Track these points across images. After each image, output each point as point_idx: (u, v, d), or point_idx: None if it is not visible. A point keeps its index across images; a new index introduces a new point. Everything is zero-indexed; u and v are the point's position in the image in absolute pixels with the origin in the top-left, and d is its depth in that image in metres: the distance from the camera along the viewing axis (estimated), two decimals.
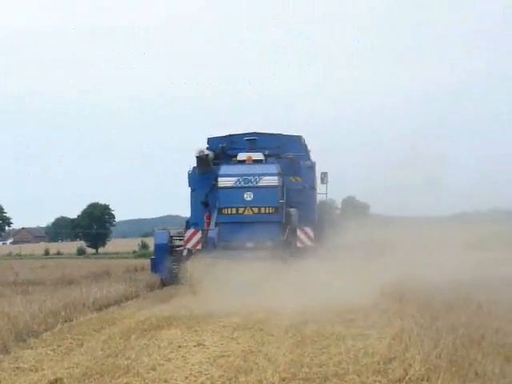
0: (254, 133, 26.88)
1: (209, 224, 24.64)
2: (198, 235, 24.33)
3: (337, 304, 17.28)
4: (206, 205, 25.25)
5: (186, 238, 24.72)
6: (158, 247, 26.84)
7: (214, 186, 24.62)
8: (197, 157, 25.45)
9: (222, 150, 26.33)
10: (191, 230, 24.69)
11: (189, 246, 24.34)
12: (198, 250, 23.98)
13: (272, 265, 21.71)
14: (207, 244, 23.92)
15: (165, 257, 25.73)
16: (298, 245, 24.10)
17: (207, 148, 26.22)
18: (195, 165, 26.01)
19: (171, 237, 27.14)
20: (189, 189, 26.54)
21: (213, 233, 23.95)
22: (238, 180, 23.89)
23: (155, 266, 26.69)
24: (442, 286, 16.83)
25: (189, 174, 26.46)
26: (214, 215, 24.45)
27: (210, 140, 27.02)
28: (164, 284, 25.55)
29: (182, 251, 25.12)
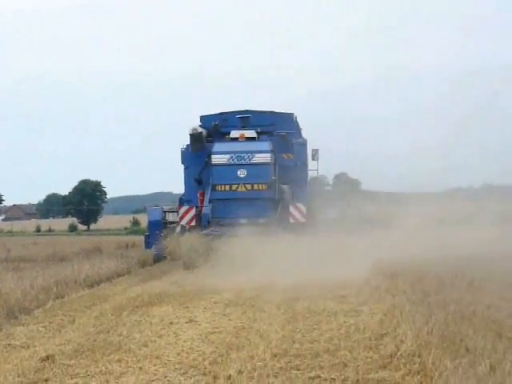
0: (247, 110, 26.99)
1: (202, 201, 24.93)
2: (192, 212, 24.63)
3: (329, 279, 17.32)
4: (199, 182, 25.50)
5: (179, 215, 25.00)
6: (151, 224, 27.12)
7: (208, 164, 24.85)
8: (190, 134, 25.57)
9: (215, 128, 26.36)
10: (185, 207, 24.97)
11: (183, 222, 24.66)
12: (192, 226, 24.25)
13: (265, 240, 21.77)
14: (201, 220, 24.26)
15: (158, 233, 25.71)
16: (291, 221, 24.48)
17: (200, 126, 26.28)
18: (188, 142, 26.11)
19: (164, 213, 27.30)
20: (182, 166, 26.64)
21: (207, 209, 24.33)
22: (231, 157, 24.15)
23: (148, 242, 26.87)
24: (433, 261, 16.86)
25: (182, 151, 26.60)
26: (208, 192, 24.69)
27: (202, 118, 27.13)
28: (157, 260, 25.69)
29: (174, 227, 25.47)
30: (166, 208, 28.67)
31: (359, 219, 28.69)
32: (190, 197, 25.77)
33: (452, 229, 28.65)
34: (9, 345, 10.71)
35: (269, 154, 24.48)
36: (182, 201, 26.24)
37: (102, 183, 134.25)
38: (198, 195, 25.20)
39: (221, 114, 27.10)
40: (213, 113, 27.39)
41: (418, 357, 8.18)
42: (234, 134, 25.25)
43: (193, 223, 24.51)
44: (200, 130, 25.74)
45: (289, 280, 17.76)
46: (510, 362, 6.98)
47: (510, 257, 17.44)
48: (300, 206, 24.79)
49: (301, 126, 27.86)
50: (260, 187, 24.15)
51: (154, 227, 26.67)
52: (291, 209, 24.70)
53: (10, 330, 11.88)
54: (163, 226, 26.44)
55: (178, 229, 24.98)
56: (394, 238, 24.09)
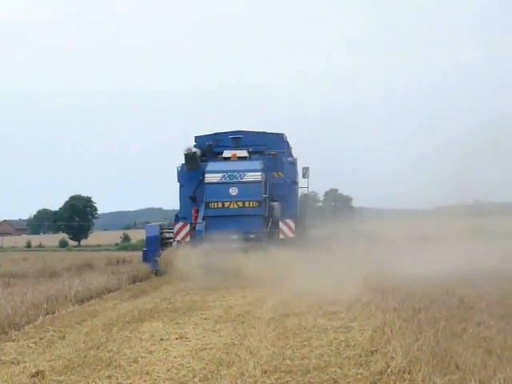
0: (239, 131, 28.33)
1: (196, 218, 26.09)
2: (187, 228, 26.01)
3: (318, 296, 17.33)
4: (193, 199, 26.65)
5: (175, 231, 26.30)
6: (149, 239, 27.74)
7: (201, 182, 26.06)
8: (185, 154, 26.88)
9: (209, 148, 27.73)
10: (180, 224, 26.32)
11: (178, 238, 25.98)
12: (187, 242, 25.55)
13: (255, 255, 22.98)
14: (195, 236, 25.41)
15: (156, 248, 26.56)
16: (281, 236, 25.65)
17: (195, 146, 27.57)
18: (183, 162, 27.25)
19: (162, 230, 27.95)
20: (177, 184, 27.72)
21: (200, 226, 25.52)
22: (224, 176, 25.42)
23: (147, 257, 27.52)
24: (423, 279, 16.88)
25: (177, 170, 27.65)
26: (202, 209, 25.86)
27: (197, 138, 28.41)
28: (155, 273, 26.14)
29: (171, 243, 26.57)
30: (163, 225, 29.37)
31: (350, 235, 28.98)
32: (185, 214, 26.82)
33: (439, 245, 28.72)
34: None
35: (259, 173, 25.62)
36: (178, 218, 27.31)
37: (92, 199, 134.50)
38: (193, 212, 26.28)
39: (214, 134, 28.35)
40: (207, 133, 28.62)
41: (408, 373, 8.18)
42: (227, 153, 26.73)
43: (187, 239, 25.68)
44: (194, 149, 27.01)
45: (278, 296, 17.79)
46: (500, 379, 7.00)
47: (497, 274, 17.51)
48: (289, 221, 25.83)
49: (291, 145, 29.02)
50: (251, 204, 25.31)
51: (151, 243, 27.33)
52: (281, 225, 25.76)
53: (0, 346, 11.83)
54: (161, 242, 27.13)
55: (175, 244, 26.01)
56: (382, 253, 24.26)
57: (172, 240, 26.66)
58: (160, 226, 28.47)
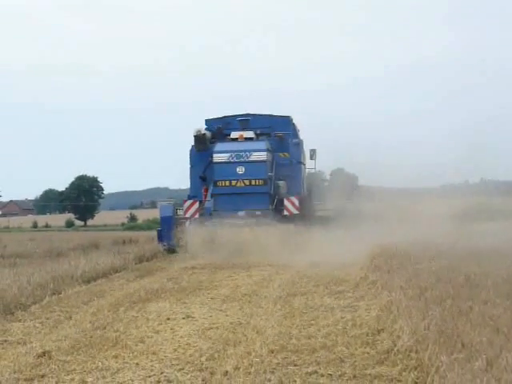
0: (247, 114, 29.57)
1: (206, 196, 27.45)
2: (196, 205, 27.31)
3: (324, 274, 17.37)
4: (203, 179, 28.04)
5: (184, 209, 27.54)
6: (163, 219, 28.39)
7: (210, 162, 27.35)
8: (194, 136, 28.19)
9: (219, 130, 29.07)
10: (189, 201, 27.62)
11: (187, 215, 27.22)
12: (196, 218, 26.90)
13: (260, 231, 24.46)
14: (204, 213, 26.88)
15: (170, 228, 27.49)
16: (285, 213, 26.74)
17: (206, 129, 28.95)
18: (193, 143, 28.60)
19: (176, 209, 28.67)
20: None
21: (209, 203, 27.02)
22: (231, 156, 26.77)
23: (161, 237, 28.17)
24: (430, 257, 16.86)
25: (190, 151, 29.03)
26: (210, 188, 27.29)
27: (207, 121, 29.79)
28: (171, 251, 26.89)
29: (185, 222, 27.46)
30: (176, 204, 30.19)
31: (356, 213, 29.33)
32: (196, 193, 28.24)
33: (445, 223, 28.76)
34: (5, 341, 10.69)
35: (265, 153, 26.90)
36: (189, 196, 28.58)
37: (98, 179, 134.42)
38: (203, 191, 27.61)
39: (224, 117, 29.77)
40: (217, 116, 30.05)
41: (415, 352, 8.18)
42: (234, 134, 28.07)
43: (196, 216, 26.99)
44: (203, 131, 28.36)
45: (284, 275, 17.83)
46: (507, 358, 6.98)
47: (503, 252, 17.47)
48: (293, 199, 27.00)
49: (299, 127, 30.44)
50: (257, 182, 26.61)
51: (166, 222, 28.04)
52: (285, 202, 26.89)
53: (7, 326, 11.86)
54: (174, 221, 27.85)
55: (188, 223, 27.02)
56: (387, 232, 24.45)
57: (185, 219, 27.55)
58: (174, 205, 29.33)
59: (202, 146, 28.25)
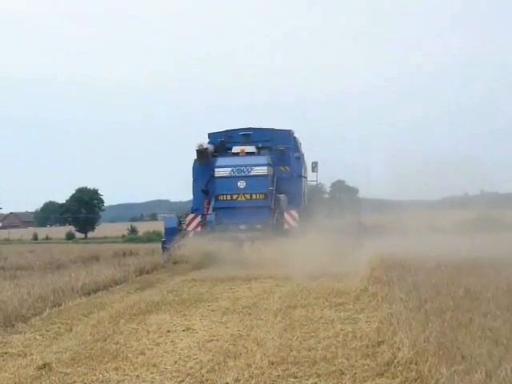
0: (249, 128, 29.87)
1: (208, 209, 27.80)
2: (198, 219, 27.53)
3: (325, 286, 17.37)
4: (206, 193, 28.33)
5: (187, 222, 27.75)
6: (168, 231, 28.76)
7: (212, 176, 27.62)
8: (196, 150, 28.45)
9: (221, 144, 29.31)
10: (191, 215, 27.90)
11: (189, 228, 27.44)
12: (197, 232, 27.12)
13: (261, 245, 24.63)
14: (206, 227, 27.16)
15: (174, 239, 27.43)
16: (285, 226, 26.97)
17: (208, 142, 29.29)
18: (196, 157, 28.85)
19: (180, 221, 28.96)
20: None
21: (211, 217, 27.31)
22: (232, 170, 27.10)
23: (165, 248, 28.31)
24: (430, 268, 16.88)
25: (192, 165, 29.34)
26: (212, 201, 27.56)
27: (210, 135, 30.09)
28: (175, 262, 26.93)
29: (188, 234, 27.49)
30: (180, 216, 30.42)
31: (356, 226, 29.45)
32: (198, 206, 28.50)
33: (445, 236, 28.80)
34: (5, 353, 10.71)
35: (266, 167, 27.22)
36: (192, 209, 28.88)
37: (99, 191, 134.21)
38: (205, 204, 28.01)
39: (226, 131, 30.05)
40: (219, 130, 30.28)
41: (415, 364, 8.19)
42: (236, 149, 28.31)
43: (198, 229, 27.23)
44: (206, 145, 28.65)
45: (285, 287, 17.83)
46: (506, 369, 7.00)
47: (502, 264, 17.49)
48: (293, 212, 27.25)
49: (300, 141, 30.80)
50: (258, 197, 26.89)
51: (170, 234, 28.26)
52: (285, 215, 27.16)
53: (7, 338, 11.87)
54: (178, 233, 27.96)
55: (191, 235, 27.15)
56: (388, 244, 24.46)
57: (189, 231, 27.74)
58: (178, 217, 29.66)
59: (204, 160, 28.54)
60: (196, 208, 28.64)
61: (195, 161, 29.02)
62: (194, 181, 29.19)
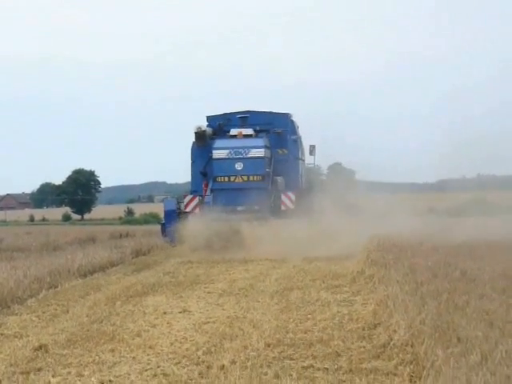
0: (247, 111, 30.22)
1: (206, 191, 28.10)
2: (196, 200, 27.92)
3: (321, 268, 17.39)
4: (204, 174, 28.61)
5: (184, 203, 28.22)
6: (167, 213, 29.15)
7: (210, 158, 28.03)
8: (195, 132, 28.86)
9: (220, 127, 29.65)
10: (189, 196, 28.33)
11: (188, 209, 27.86)
12: (196, 213, 27.45)
13: (259, 225, 24.76)
14: (203, 208, 27.44)
15: (173, 221, 27.98)
16: (282, 208, 27.38)
17: (207, 125, 29.65)
18: (194, 140, 29.25)
19: (179, 203, 29.36)
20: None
21: (208, 198, 27.77)
22: (230, 152, 27.49)
23: (165, 230, 28.91)
24: (426, 251, 16.90)
25: (191, 147, 29.75)
26: (210, 183, 28.00)
27: (208, 118, 30.43)
28: (174, 245, 27.23)
29: (187, 216, 27.77)
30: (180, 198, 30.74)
31: (352, 208, 29.57)
32: (197, 187, 28.80)
33: (441, 218, 28.85)
34: (1, 334, 10.71)
35: (263, 149, 27.62)
36: (191, 191, 29.26)
37: (96, 173, 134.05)
38: (203, 186, 28.22)
39: (225, 114, 30.36)
40: (218, 113, 30.59)
41: (411, 346, 8.20)
42: (233, 131, 28.63)
43: (196, 210, 27.58)
44: (204, 128, 28.99)
45: (281, 269, 17.84)
46: (502, 352, 7.01)
47: (499, 246, 17.52)
48: (290, 194, 27.62)
49: (298, 123, 30.88)
50: (255, 178, 27.29)
51: (169, 216, 28.66)
52: (282, 197, 27.53)
53: (3, 320, 11.87)
54: (178, 215, 28.42)
55: (190, 217, 27.34)
56: (384, 226, 24.51)
57: (187, 212, 28.09)
58: (177, 199, 30.08)
59: (202, 143, 28.88)
60: (194, 190, 29.01)
61: (194, 143, 29.35)
62: (193, 163, 29.54)
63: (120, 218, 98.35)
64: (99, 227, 59.06)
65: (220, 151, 27.70)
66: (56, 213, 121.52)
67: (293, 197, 27.53)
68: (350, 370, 7.98)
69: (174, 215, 28.38)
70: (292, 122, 30.47)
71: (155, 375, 8.10)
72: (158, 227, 31.94)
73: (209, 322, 11.00)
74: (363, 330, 9.89)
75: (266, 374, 7.87)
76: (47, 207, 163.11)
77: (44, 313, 12.50)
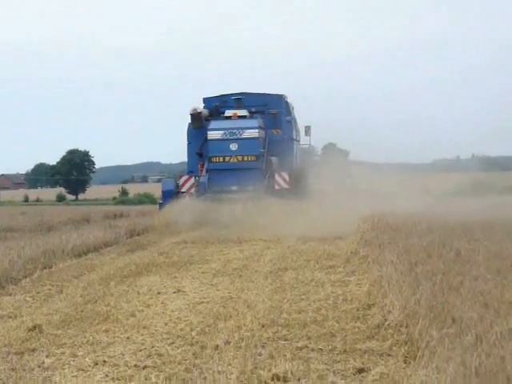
0: (242, 93, 30.80)
1: (202, 171, 28.77)
2: (191, 180, 28.57)
3: (315, 248, 17.38)
4: (200, 155, 29.26)
5: (180, 183, 28.76)
6: (165, 193, 29.59)
7: (205, 139, 28.62)
8: (190, 114, 29.42)
9: (215, 109, 30.31)
10: (185, 177, 29.01)
11: (183, 189, 28.44)
12: (192, 193, 28.14)
13: (252, 204, 25.33)
14: (199, 188, 28.11)
15: (171, 201, 28.26)
16: (276, 187, 27.87)
17: (203, 107, 30.29)
18: (190, 121, 29.83)
19: (177, 184, 29.64)
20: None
21: (204, 178, 28.37)
22: (225, 133, 28.06)
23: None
24: (421, 231, 16.89)
25: (187, 128, 30.30)
26: (206, 163, 28.58)
27: (205, 100, 31.11)
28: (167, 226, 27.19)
29: (185, 196, 28.42)
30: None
31: (348, 188, 29.80)
32: (193, 168, 29.53)
33: (439, 197, 28.91)
34: None
35: (257, 130, 28.16)
36: (188, 172, 29.96)
37: (90, 153, 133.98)
38: (199, 166, 28.95)
39: (220, 96, 31.02)
40: (214, 95, 31.33)
41: (405, 327, 8.20)
42: (228, 113, 29.24)
43: (192, 190, 28.15)
44: (199, 110, 29.60)
45: (275, 250, 17.84)
46: (496, 333, 7.00)
47: (493, 227, 17.52)
48: (284, 174, 28.14)
49: (293, 105, 31.76)
50: (249, 159, 27.81)
51: (167, 196, 29.08)
52: (276, 177, 28.09)
53: None
54: (175, 195, 28.75)
55: (187, 197, 27.99)
56: (380, 205, 24.55)
57: (183, 192, 28.56)
58: (175, 180, 30.47)
59: (198, 124, 29.25)
60: (190, 170, 29.53)
61: (189, 124, 29.74)
62: (189, 144, 30.01)
63: (114, 199, 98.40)
64: (93, 207, 58.99)
65: (215, 132, 28.10)
66: (50, 193, 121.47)
67: (287, 177, 27.88)
68: (345, 351, 7.98)
69: (172, 195, 28.65)
70: (287, 103, 30.86)
71: (149, 355, 8.09)
72: (153, 207, 32.18)
73: (203, 302, 11.00)
74: (357, 310, 9.89)
75: (260, 354, 7.87)
76: (41, 187, 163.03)
77: (38, 293, 12.48)
